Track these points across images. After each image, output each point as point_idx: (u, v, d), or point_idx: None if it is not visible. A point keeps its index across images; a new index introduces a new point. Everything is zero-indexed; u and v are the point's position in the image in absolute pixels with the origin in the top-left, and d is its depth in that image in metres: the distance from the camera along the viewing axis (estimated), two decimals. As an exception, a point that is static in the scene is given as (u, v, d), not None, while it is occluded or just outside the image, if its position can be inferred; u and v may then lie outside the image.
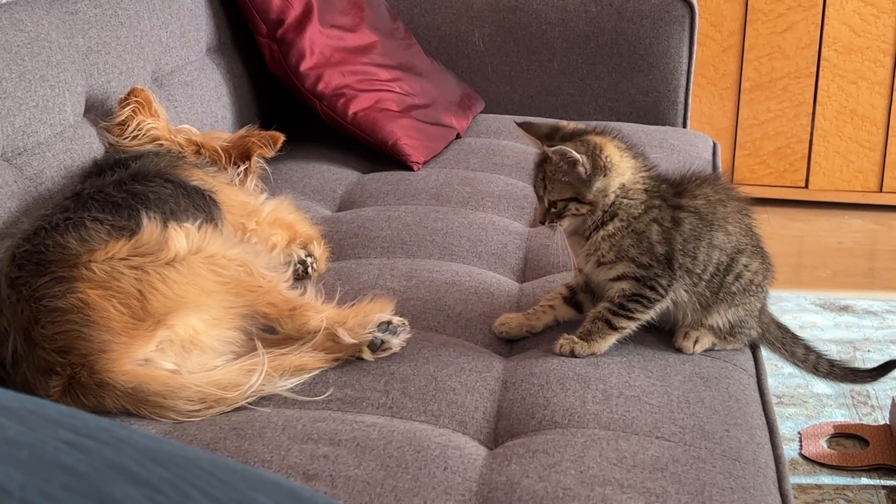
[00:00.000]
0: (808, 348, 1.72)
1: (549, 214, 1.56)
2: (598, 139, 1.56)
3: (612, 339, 1.56)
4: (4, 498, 0.45)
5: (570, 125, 1.62)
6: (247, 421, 1.36)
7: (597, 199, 1.54)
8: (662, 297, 1.56)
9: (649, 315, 1.57)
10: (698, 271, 1.56)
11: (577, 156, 1.51)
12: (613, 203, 1.54)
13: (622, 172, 1.55)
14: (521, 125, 1.62)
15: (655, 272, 1.54)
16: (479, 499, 1.22)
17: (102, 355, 1.40)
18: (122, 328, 1.41)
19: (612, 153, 1.55)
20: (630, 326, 1.56)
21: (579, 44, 3.03)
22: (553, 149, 1.52)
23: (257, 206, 1.89)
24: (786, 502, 1.35)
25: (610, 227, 1.55)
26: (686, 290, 1.57)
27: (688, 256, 1.55)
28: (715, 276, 1.57)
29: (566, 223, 1.56)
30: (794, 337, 1.73)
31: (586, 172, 1.52)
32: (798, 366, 1.72)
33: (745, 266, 1.58)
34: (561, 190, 1.54)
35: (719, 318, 1.59)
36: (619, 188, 1.54)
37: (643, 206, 1.55)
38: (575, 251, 1.60)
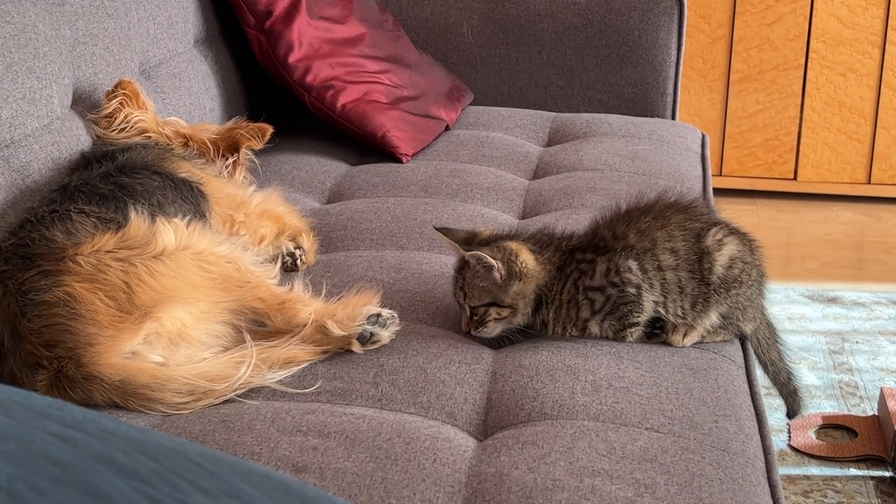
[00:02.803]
0: (781, 356, 1.73)
1: (472, 322, 1.58)
2: (513, 245, 1.58)
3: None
4: (-9, 490, 0.45)
5: (486, 231, 1.65)
6: (236, 413, 1.35)
7: (515, 302, 1.56)
8: (640, 309, 1.56)
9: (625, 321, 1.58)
10: (664, 293, 1.57)
11: (493, 261, 1.54)
12: (537, 299, 1.57)
13: (538, 275, 1.57)
14: (439, 230, 1.65)
15: (617, 304, 1.56)
16: (469, 490, 1.22)
17: (89, 348, 1.39)
18: (108, 321, 1.41)
19: (528, 259, 1.57)
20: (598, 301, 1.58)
21: (568, 35, 3.03)
22: (470, 253, 1.55)
23: (246, 198, 1.89)
24: (774, 493, 1.35)
25: (551, 314, 1.57)
26: (662, 308, 1.58)
27: (654, 291, 1.56)
28: (684, 290, 1.57)
29: (490, 328, 1.57)
30: (777, 340, 1.73)
31: (501, 277, 1.55)
32: (767, 368, 1.72)
33: (709, 268, 1.57)
34: (480, 296, 1.56)
35: (706, 320, 1.59)
36: (536, 288, 1.57)
37: (560, 283, 1.57)
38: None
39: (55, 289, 1.41)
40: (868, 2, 3.88)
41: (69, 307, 1.40)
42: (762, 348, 1.70)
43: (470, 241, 1.61)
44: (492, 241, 1.60)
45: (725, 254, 1.59)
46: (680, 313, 1.58)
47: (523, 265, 1.56)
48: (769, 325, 1.72)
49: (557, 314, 1.58)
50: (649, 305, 1.57)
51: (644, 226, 1.59)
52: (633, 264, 1.55)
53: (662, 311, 1.57)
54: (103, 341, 1.40)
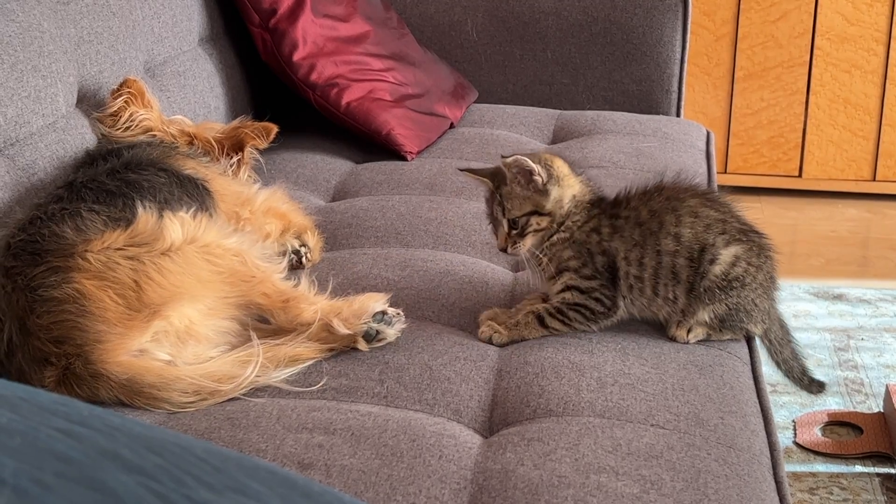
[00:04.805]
0: (794, 353, 1.72)
1: (511, 237, 1.59)
2: (546, 154, 1.63)
3: (538, 334, 1.59)
4: (-3, 485, 0.45)
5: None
6: (241, 410, 1.35)
7: (554, 209, 1.59)
8: (607, 310, 1.58)
9: (589, 327, 1.59)
10: (646, 276, 1.57)
11: (534, 165, 1.57)
12: (567, 215, 1.59)
13: (572, 185, 1.61)
14: (463, 170, 1.67)
15: (600, 283, 1.57)
16: (475, 487, 1.22)
17: (97, 346, 1.39)
18: (117, 318, 1.41)
19: (562, 166, 1.61)
20: (562, 330, 1.59)
21: (573, 33, 3.03)
22: (512, 158, 1.58)
23: (251, 196, 1.89)
24: (780, 489, 1.35)
25: (554, 238, 1.59)
26: (645, 298, 1.58)
27: (632, 265, 1.57)
28: (676, 277, 1.57)
29: (529, 241, 1.59)
30: (790, 339, 1.71)
31: (543, 182, 1.58)
32: (780, 366, 1.72)
33: (711, 261, 1.56)
34: (521, 205, 1.58)
35: (703, 315, 1.58)
36: (571, 199, 1.59)
37: (586, 215, 1.60)
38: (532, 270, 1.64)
39: (64, 285, 1.41)
40: (873, -2, 3.88)
41: (78, 304, 1.40)
42: (774, 349, 1.69)
43: (496, 174, 1.62)
44: None
45: (731, 252, 1.58)
46: (671, 297, 1.57)
47: (559, 169, 1.60)
48: (782, 326, 1.70)
49: (557, 241, 1.59)
50: (610, 321, 1.59)
51: (657, 205, 1.59)
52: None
53: (644, 302, 1.58)
54: (112, 339, 1.40)
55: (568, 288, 1.58)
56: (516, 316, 1.60)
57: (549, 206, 1.58)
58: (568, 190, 1.59)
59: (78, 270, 1.42)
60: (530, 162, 1.56)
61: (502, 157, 1.60)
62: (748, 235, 1.61)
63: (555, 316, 1.58)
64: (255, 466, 0.57)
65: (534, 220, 1.58)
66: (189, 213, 1.57)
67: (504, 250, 1.60)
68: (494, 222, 1.62)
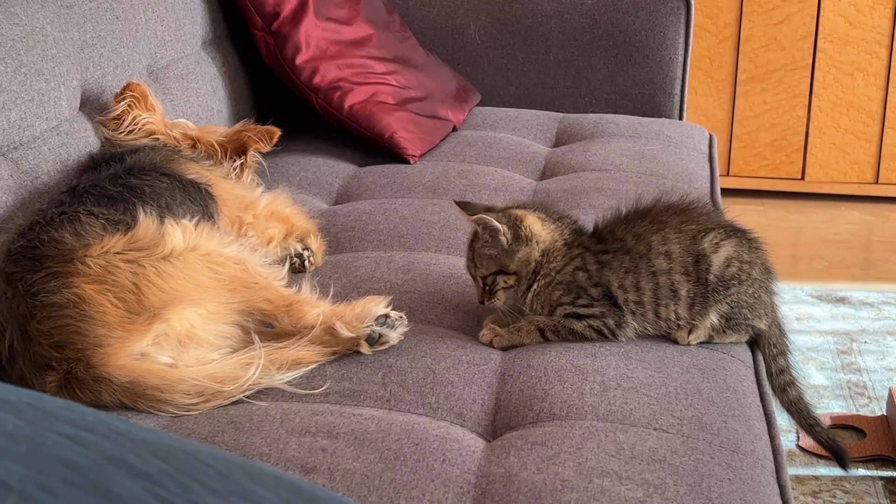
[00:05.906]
0: (789, 366, 1.68)
1: (485, 293, 1.60)
2: (519, 212, 1.61)
3: (538, 342, 1.59)
4: (3, 492, 0.45)
5: (501, 205, 1.67)
6: (245, 414, 1.35)
7: (520, 269, 1.58)
8: (608, 339, 1.57)
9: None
10: (646, 299, 1.57)
11: (498, 225, 1.56)
12: (536, 270, 1.58)
13: (543, 240, 1.59)
14: (458, 203, 1.66)
15: (601, 311, 1.56)
16: (478, 491, 1.22)
17: (98, 350, 1.40)
18: (117, 322, 1.41)
19: (533, 223, 1.59)
20: (559, 341, 1.59)
21: (575, 36, 3.03)
22: (475, 217, 1.57)
23: (254, 200, 1.89)
24: (784, 493, 1.35)
25: (535, 287, 1.59)
26: (648, 323, 1.58)
27: (629, 291, 1.57)
28: (676, 294, 1.57)
29: (501, 297, 1.59)
30: (785, 349, 1.69)
31: (508, 242, 1.57)
32: (770, 377, 1.67)
33: (707, 269, 1.57)
34: (488, 264, 1.58)
35: (706, 319, 1.59)
36: (540, 255, 1.58)
37: (564, 259, 1.58)
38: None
39: (64, 290, 1.41)
40: (875, 1, 3.87)
41: (78, 308, 1.40)
42: (769, 347, 1.68)
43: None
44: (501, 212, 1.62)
45: (722, 254, 1.58)
46: (673, 317, 1.58)
47: (528, 229, 1.58)
48: (780, 330, 1.69)
49: (540, 290, 1.58)
50: (631, 329, 1.58)
51: (641, 229, 1.59)
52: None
53: (648, 326, 1.58)
54: (112, 342, 1.40)
55: (566, 316, 1.58)
56: (519, 321, 1.60)
57: (513, 266, 1.57)
58: (537, 248, 1.58)
59: (77, 275, 1.42)
60: (495, 222, 1.56)
61: (469, 215, 1.60)
62: (735, 234, 1.62)
63: (554, 333, 1.59)
64: (260, 471, 0.57)
65: (500, 279, 1.58)
66: (192, 222, 1.57)
67: (482, 303, 1.61)
68: (472, 277, 1.63)
